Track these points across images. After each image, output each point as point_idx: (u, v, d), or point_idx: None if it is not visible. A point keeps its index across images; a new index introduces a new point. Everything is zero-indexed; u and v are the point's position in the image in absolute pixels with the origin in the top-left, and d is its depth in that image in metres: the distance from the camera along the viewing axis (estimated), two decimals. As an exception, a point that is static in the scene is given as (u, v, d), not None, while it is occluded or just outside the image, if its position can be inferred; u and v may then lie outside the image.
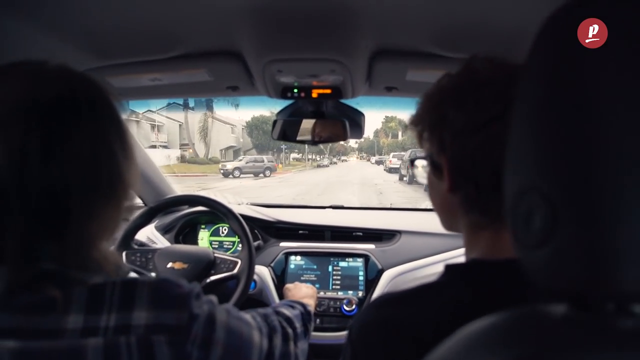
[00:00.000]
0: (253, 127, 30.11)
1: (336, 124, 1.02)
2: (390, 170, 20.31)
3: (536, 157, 0.25)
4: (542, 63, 0.26)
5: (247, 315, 0.53)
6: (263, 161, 19.88)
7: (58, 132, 0.39)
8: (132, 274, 0.98)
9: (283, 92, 0.94)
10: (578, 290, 0.24)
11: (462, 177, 0.43)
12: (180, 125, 24.05)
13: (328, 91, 0.92)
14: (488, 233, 0.44)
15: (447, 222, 0.52)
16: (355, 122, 1.06)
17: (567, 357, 0.23)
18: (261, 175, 18.44)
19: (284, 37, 0.74)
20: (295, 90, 0.93)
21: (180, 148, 23.97)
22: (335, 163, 36.93)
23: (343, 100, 1.02)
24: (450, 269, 0.44)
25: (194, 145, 24.16)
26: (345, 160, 43.11)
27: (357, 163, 38.11)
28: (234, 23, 0.69)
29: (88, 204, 0.41)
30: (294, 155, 38.17)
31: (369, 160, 41.05)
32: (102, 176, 0.42)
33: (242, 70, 0.86)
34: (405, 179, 13.36)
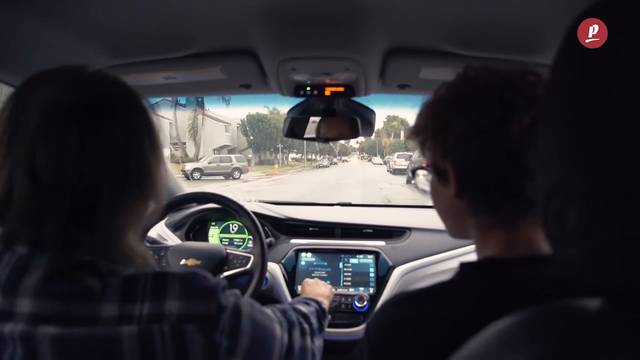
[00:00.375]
0: (248, 125, 29.27)
1: (347, 121, 1.05)
2: (395, 172, 19.19)
3: (569, 154, 0.25)
4: (572, 59, 0.26)
5: (267, 310, 0.55)
6: (231, 161, 17.74)
7: (93, 131, 0.42)
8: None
9: (296, 90, 0.97)
10: (614, 286, 0.24)
11: (468, 181, 0.45)
12: (170, 123, 23.73)
13: (341, 89, 0.95)
14: (499, 232, 0.46)
15: (454, 227, 0.53)
16: (366, 119, 1.10)
17: (605, 351, 0.23)
18: (231, 177, 16.76)
19: (299, 36, 0.77)
20: (308, 88, 0.96)
21: (170, 146, 23.81)
22: (335, 163, 36.54)
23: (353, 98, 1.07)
24: (465, 266, 0.45)
25: (183, 145, 23.59)
26: (346, 161, 42.81)
27: (358, 164, 37.86)
28: (249, 22, 0.72)
29: (117, 199, 0.44)
30: (292, 155, 37.68)
31: (370, 160, 40.82)
32: (132, 173, 0.45)
33: (256, 68, 0.89)
34: (413, 182, 12.19)
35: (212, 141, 25.44)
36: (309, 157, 38.15)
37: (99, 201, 0.42)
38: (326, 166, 31.49)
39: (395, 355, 0.42)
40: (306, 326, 0.66)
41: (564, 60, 0.27)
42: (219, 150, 25.74)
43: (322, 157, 37.53)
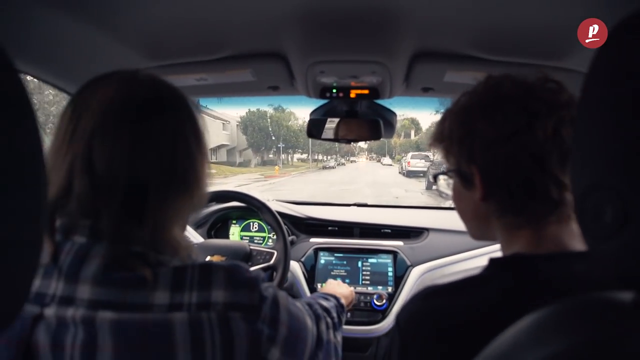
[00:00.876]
0: (248, 122, 27.61)
1: (370, 123, 1.10)
2: (409, 174, 17.65)
3: (607, 155, 0.27)
4: (610, 61, 0.28)
5: (298, 303, 0.59)
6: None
7: (144, 130, 0.46)
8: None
9: (322, 92, 1.01)
10: None
11: (494, 184, 0.48)
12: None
13: (366, 91, 1.00)
14: (526, 231, 0.48)
15: (477, 229, 0.55)
16: (388, 121, 1.15)
17: (638, 339, 0.25)
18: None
19: (330, 40, 0.81)
20: (334, 91, 1.00)
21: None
22: (343, 164, 35.72)
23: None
24: (494, 262, 0.48)
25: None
26: (354, 161, 42.04)
27: (366, 164, 37.25)
28: (282, 27, 0.76)
29: (165, 194, 0.47)
30: (298, 155, 36.66)
31: (379, 161, 40.39)
32: (179, 169, 0.48)
33: (285, 71, 0.94)
34: (435, 187, 9.86)
35: (208, 140, 24.14)
36: (316, 157, 36.96)
37: (149, 195, 0.46)
38: (332, 167, 30.71)
39: (427, 346, 0.44)
40: (329, 320, 0.69)
41: (602, 62, 0.29)
42: (215, 150, 24.54)
43: (328, 157, 36.68)
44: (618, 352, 0.25)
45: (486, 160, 0.48)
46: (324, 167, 30.58)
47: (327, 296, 0.84)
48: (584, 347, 0.26)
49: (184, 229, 0.55)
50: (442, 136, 0.53)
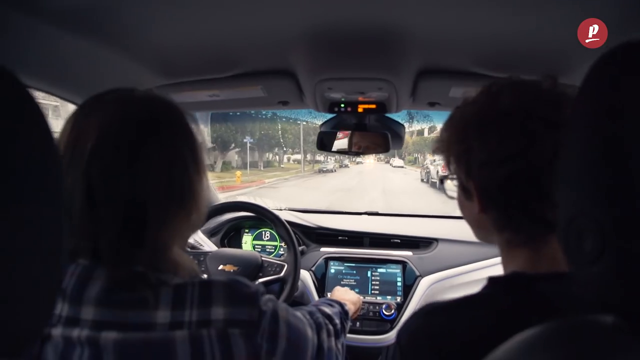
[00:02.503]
0: (212, 114, 24.49)
1: (379, 136, 1.17)
2: (439, 186, 11.88)
3: (586, 185, 0.29)
4: (595, 95, 0.30)
5: (298, 313, 0.61)
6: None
7: (140, 152, 0.48)
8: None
9: (330, 106, 1.09)
10: (627, 303, 0.28)
11: (491, 203, 0.49)
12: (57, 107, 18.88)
13: (373, 106, 1.08)
14: (524, 250, 0.49)
15: (480, 236, 0.57)
16: (396, 133, 1.23)
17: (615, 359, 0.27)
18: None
19: (337, 59, 0.89)
20: (342, 105, 1.08)
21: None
22: (346, 166, 31.37)
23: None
24: (493, 281, 0.49)
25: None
26: (361, 162, 36.86)
27: (374, 166, 34.02)
28: (291, 46, 0.83)
29: (162, 215, 0.49)
30: (295, 156, 33.18)
31: (388, 162, 37.46)
32: (176, 189, 0.50)
33: (295, 87, 1.02)
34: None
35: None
36: (316, 157, 32.51)
37: (146, 217, 0.48)
38: (331, 170, 27.07)
39: None
40: (331, 327, 0.72)
41: (586, 96, 0.31)
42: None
43: (328, 158, 30.48)
44: None
45: (482, 179, 0.50)
46: (321, 171, 26.99)
47: (331, 302, 0.87)
48: None
49: (183, 247, 0.58)
50: (443, 147, 0.55)
